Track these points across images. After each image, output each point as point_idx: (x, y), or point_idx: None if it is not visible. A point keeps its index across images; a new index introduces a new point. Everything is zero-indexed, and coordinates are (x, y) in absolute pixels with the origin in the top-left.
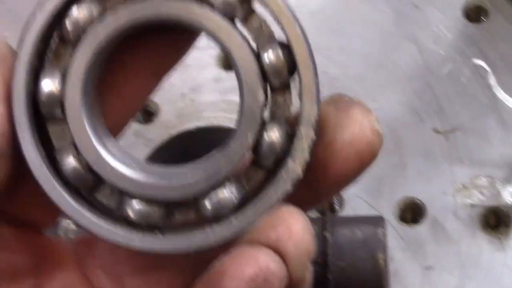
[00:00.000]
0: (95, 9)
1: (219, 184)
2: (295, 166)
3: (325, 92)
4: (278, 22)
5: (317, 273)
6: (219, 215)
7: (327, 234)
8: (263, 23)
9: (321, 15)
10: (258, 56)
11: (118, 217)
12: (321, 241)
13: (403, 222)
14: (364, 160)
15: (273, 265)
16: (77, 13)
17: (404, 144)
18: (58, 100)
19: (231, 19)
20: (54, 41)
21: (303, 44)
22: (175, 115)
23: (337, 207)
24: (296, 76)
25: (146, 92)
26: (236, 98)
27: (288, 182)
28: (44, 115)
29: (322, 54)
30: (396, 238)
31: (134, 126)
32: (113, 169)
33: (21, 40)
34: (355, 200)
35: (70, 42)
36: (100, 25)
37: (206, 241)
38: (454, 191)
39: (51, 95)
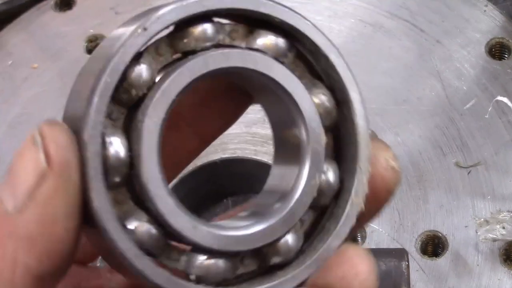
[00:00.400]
0: (154, 67)
1: (282, 235)
2: (358, 201)
3: None
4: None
5: None
6: (284, 263)
7: None
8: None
9: (345, 49)
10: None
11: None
12: None
13: (424, 255)
14: (379, 197)
15: None
16: (138, 75)
17: (426, 178)
18: (126, 165)
19: (282, 63)
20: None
21: (355, 85)
22: None
23: (359, 240)
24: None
25: (195, 155)
26: (260, 130)
27: (353, 217)
28: (111, 181)
29: None
30: (418, 270)
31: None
32: (197, 227)
33: (86, 111)
34: (378, 233)
35: (127, 105)
36: (169, 82)
37: None
38: (475, 225)
39: (120, 161)
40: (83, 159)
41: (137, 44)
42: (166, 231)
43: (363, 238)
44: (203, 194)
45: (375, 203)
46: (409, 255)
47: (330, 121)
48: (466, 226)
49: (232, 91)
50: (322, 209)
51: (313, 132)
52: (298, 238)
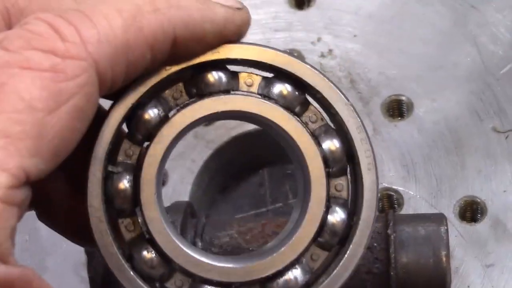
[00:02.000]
0: (161, 110)
1: (286, 268)
2: (356, 251)
3: (384, 93)
4: (333, 109)
5: (379, 270)
6: None
7: (390, 231)
8: (318, 115)
9: (379, 17)
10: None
11: None
12: (384, 237)
13: (463, 220)
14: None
15: None
16: (145, 116)
17: (463, 144)
18: (131, 197)
19: (293, 112)
20: (123, 142)
21: (363, 131)
22: None
23: (396, 207)
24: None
25: None
26: None
27: (352, 262)
28: (117, 210)
29: (380, 55)
30: (457, 236)
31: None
32: (190, 257)
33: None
34: (415, 199)
35: (138, 142)
36: (170, 124)
37: None
38: None
39: (125, 193)
40: None
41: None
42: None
43: (400, 205)
44: (239, 165)
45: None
46: (447, 221)
47: (340, 166)
48: (504, 191)
49: None
50: (337, 250)
51: (315, 176)
52: (302, 273)
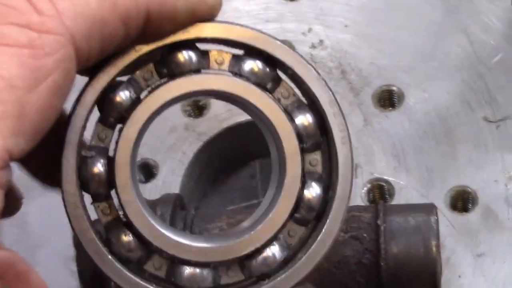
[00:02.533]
0: (132, 92)
1: (264, 245)
2: (333, 225)
3: (375, 83)
4: (305, 84)
5: (369, 260)
6: (269, 273)
7: (380, 222)
8: (290, 90)
9: (370, 7)
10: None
11: (168, 286)
12: (374, 228)
13: (454, 210)
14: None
15: None
16: (117, 99)
17: (454, 134)
18: (106, 180)
19: (265, 88)
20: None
21: (336, 105)
22: (226, 108)
23: (387, 197)
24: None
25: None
26: None
27: (330, 236)
28: (92, 195)
29: (371, 45)
30: (448, 226)
31: (185, 120)
32: (167, 238)
33: (68, 130)
34: (407, 189)
35: (110, 125)
36: (142, 106)
37: None
38: (505, 179)
39: (100, 176)
40: None
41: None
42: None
43: (391, 195)
44: (230, 157)
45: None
46: (438, 211)
47: (314, 141)
48: (496, 181)
49: None
50: (314, 225)
51: (289, 153)
52: (280, 250)
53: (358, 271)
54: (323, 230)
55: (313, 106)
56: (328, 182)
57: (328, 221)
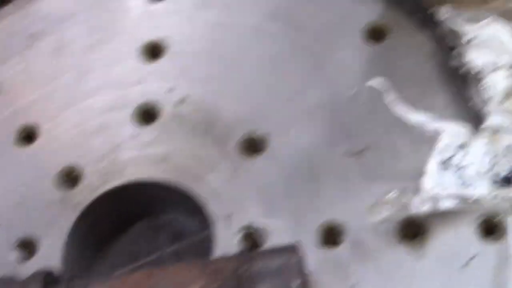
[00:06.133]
0: None
1: None
2: None
3: (239, 132)
4: None
5: None
6: None
7: (241, 271)
8: None
9: (214, 54)
10: None
11: None
12: (236, 277)
13: (324, 246)
14: None
15: None
16: None
17: (319, 171)
18: None
19: None
20: None
21: None
22: (99, 175)
23: (258, 243)
24: None
25: None
26: (155, 151)
27: None
28: None
29: (234, 95)
30: (320, 261)
31: (58, 194)
32: None
33: None
34: (278, 232)
35: None
36: None
37: None
38: (368, 209)
39: None
40: None
41: None
42: None
43: (264, 241)
44: (109, 223)
45: None
46: (309, 248)
47: None
48: (361, 212)
49: None
50: None
51: None
52: None
53: None
54: None
55: None
56: None
57: None
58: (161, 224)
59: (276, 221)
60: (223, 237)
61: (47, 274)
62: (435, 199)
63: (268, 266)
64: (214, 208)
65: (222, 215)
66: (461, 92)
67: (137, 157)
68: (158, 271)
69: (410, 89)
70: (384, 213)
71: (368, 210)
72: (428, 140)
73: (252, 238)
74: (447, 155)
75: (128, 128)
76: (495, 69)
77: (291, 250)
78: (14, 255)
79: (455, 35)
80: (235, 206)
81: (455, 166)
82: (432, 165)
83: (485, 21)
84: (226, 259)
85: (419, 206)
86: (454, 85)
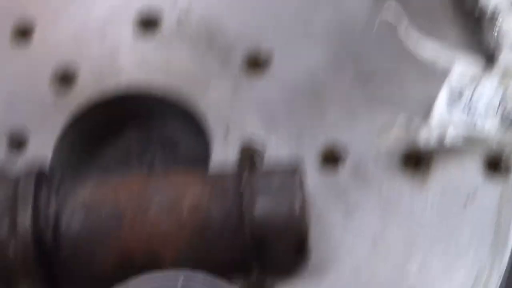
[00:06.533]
0: None
1: None
2: None
3: (243, 48)
4: None
5: (233, 225)
6: None
7: (242, 186)
8: None
9: None
10: None
11: None
12: (237, 192)
13: (324, 168)
14: None
15: None
16: None
17: (324, 94)
18: None
19: None
20: None
21: None
22: (94, 78)
23: (257, 161)
24: None
25: None
26: (154, 59)
27: None
28: None
29: (240, 9)
30: (317, 184)
31: (52, 94)
32: None
33: None
34: (277, 152)
35: None
36: None
37: None
38: (373, 134)
39: None
40: None
41: None
42: None
43: (262, 159)
44: (103, 128)
45: None
46: (308, 170)
47: None
48: (365, 137)
49: None
50: None
51: None
52: None
53: (222, 235)
54: None
55: None
56: None
57: None
58: (155, 134)
59: (275, 138)
60: (220, 150)
61: (39, 173)
62: (442, 132)
63: (270, 184)
64: (212, 120)
65: (220, 128)
66: (475, 33)
67: (135, 63)
68: (155, 177)
69: (423, 20)
70: (389, 141)
71: (373, 136)
72: (438, 72)
73: (250, 156)
74: (457, 89)
75: (129, 34)
76: (510, 12)
77: (293, 169)
78: (2, 150)
79: None
80: (234, 121)
81: (465, 101)
82: (441, 98)
83: None
84: (226, 174)
85: (426, 139)
86: (468, 26)
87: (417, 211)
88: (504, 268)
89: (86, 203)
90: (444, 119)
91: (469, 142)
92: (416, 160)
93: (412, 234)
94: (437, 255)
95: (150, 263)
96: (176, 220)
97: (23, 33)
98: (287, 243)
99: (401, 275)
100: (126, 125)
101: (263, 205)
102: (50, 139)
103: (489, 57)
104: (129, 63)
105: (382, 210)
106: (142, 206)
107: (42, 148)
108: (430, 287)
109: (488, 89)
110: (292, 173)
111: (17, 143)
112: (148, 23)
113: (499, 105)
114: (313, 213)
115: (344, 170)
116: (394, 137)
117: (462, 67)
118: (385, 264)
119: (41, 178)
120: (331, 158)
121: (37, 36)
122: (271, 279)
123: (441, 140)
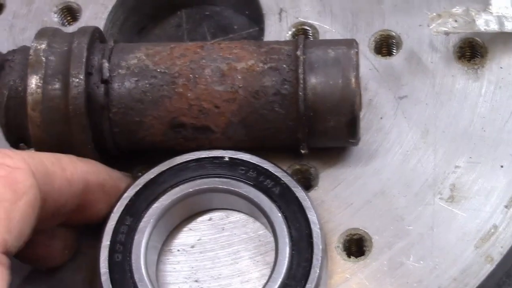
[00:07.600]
0: None
1: None
2: None
3: None
4: None
5: (288, 91)
6: None
7: (299, 53)
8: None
9: None
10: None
11: None
12: (293, 59)
13: (378, 54)
14: None
15: None
16: None
17: None
18: None
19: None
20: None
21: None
22: None
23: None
24: None
25: None
26: None
27: None
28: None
29: None
30: (371, 69)
31: None
32: None
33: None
34: (331, 33)
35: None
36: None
37: None
38: (429, 20)
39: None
40: None
41: None
42: None
43: (315, 39)
44: (156, 4)
45: None
46: (362, 54)
47: None
48: (420, 25)
49: None
50: None
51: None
52: None
53: (277, 102)
54: None
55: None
56: None
57: None
58: (207, 15)
59: (330, 22)
60: (274, 32)
61: (96, 30)
62: (501, 19)
63: (327, 54)
64: (266, 3)
65: (274, 10)
66: None
67: None
68: (210, 44)
69: None
70: (447, 26)
71: (431, 21)
72: None
73: (304, 35)
74: None
75: None
76: None
77: (349, 43)
78: (57, 17)
79: None
80: (289, 3)
81: None
82: None
83: None
84: (283, 42)
85: (484, 24)
86: None
87: (471, 99)
88: None
89: (140, 64)
90: (504, 5)
91: None
92: (472, 50)
93: (462, 125)
94: (483, 154)
95: (201, 130)
96: (230, 85)
97: None
98: (340, 115)
99: (448, 168)
100: (177, 8)
101: (318, 75)
102: (102, 13)
103: None
104: None
105: (435, 97)
106: (196, 71)
107: (94, 20)
108: (475, 183)
109: None
110: (348, 46)
111: (70, 12)
112: None
113: None
114: (366, 98)
115: (398, 57)
116: (449, 23)
117: None
118: (434, 155)
119: (95, 35)
120: (386, 44)
121: None
122: (317, 165)
123: (500, 27)
